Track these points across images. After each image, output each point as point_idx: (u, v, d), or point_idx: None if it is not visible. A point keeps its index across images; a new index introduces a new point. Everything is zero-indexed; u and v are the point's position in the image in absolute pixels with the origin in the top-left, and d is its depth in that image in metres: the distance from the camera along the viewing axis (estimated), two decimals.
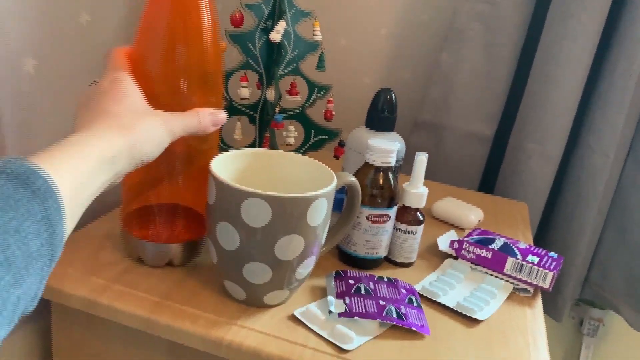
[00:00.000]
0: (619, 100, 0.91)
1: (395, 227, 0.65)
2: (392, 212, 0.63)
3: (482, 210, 0.83)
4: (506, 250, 0.66)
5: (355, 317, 0.53)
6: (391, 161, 0.62)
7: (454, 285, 0.63)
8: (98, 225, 0.67)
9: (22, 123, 0.57)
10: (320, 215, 0.51)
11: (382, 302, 0.56)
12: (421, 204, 0.65)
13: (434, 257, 0.70)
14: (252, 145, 0.79)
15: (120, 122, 0.43)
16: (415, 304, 0.58)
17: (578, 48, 0.90)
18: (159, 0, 0.53)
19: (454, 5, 0.97)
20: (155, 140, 0.45)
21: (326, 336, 0.52)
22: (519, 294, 0.64)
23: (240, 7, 0.72)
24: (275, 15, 0.72)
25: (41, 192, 0.32)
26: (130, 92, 0.46)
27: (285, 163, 0.59)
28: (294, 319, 0.54)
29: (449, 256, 0.70)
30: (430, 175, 0.94)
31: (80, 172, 0.37)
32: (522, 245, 0.68)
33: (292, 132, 0.78)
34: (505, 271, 0.65)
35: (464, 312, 0.58)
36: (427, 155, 0.65)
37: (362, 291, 0.58)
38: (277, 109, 0.74)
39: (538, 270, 0.63)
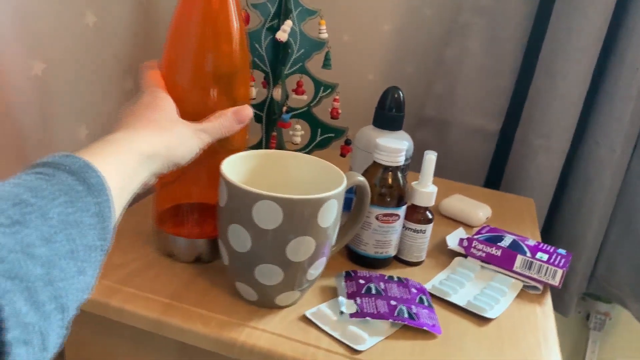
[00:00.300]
0: (626, 94, 0.90)
1: (404, 226, 0.65)
2: (401, 211, 0.63)
3: (489, 207, 0.83)
4: (515, 247, 0.66)
5: (367, 318, 0.53)
6: (400, 160, 0.61)
7: (464, 284, 0.63)
8: None
9: (32, 126, 0.57)
10: (330, 216, 0.51)
11: (393, 302, 0.56)
12: (430, 202, 0.65)
13: (443, 255, 0.70)
14: (259, 144, 0.79)
15: (158, 125, 0.46)
16: (426, 304, 0.58)
17: (584, 42, 0.89)
18: (188, 7, 0.55)
19: (458, 0, 0.96)
20: (188, 145, 0.49)
21: (338, 337, 0.52)
22: (529, 292, 0.64)
23: (246, 7, 0.71)
24: (281, 14, 0.72)
25: (96, 187, 0.35)
26: (168, 105, 0.50)
27: (295, 164, 0.59)
28: (306, 319, 0.54)
29: (458, 254, 0.70)
30: (435, 172, 0.94)
31: (125, 168, 0.40)
32: (531, 243, 0.68)
33: (299, 131, 0.78)
34: (514, 269, 0.65)
35: (474, 311, 0.58)
36: (436, 154, 0.65)
37: (373, 291, 0.58)
38: (284, 109, 0.74)
39: (547, 267, 0.63)
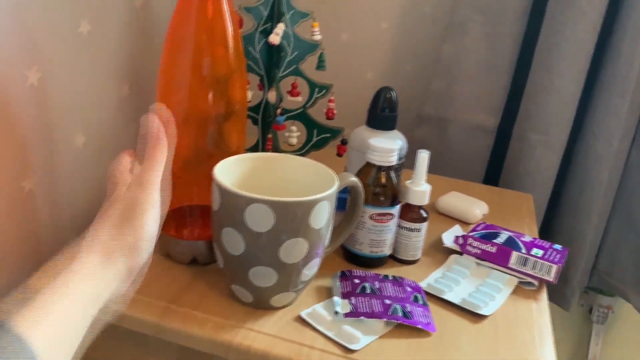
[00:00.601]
0: (622, 87, 0.90)
1: (399, 225, 0.66)
2: (396, 210, 0.64)
3: (487, 203, 0.83)
4: (511, 244, 0.67)
5: (361, 317, 0.54)
6: (393, 160, 0.62)
7: (460, 281, 0.64)
8: None
9: (31, 135, 0.58)
10: (322, 217, 0.52)
11: (387, 301, 0.57)
12: (424, 201, 0.66)
13: (439, 253, 0.71)
14: (255, 147, 0.79)
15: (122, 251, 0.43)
16: (420, 302, 0.58)
17: (580, 36, 0.89)
18: (185, 13, 0.56)
19: None
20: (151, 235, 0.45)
21: (333, 337, 0.53)
22: (524, 288, 0.65)
23: (239, 10, 0.72)
24: (274, 17, 0.72)
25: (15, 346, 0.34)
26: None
27: (287, 166, 0.60)
28: (301, 320, 0.55)
29: (453, 252, 0.70)
30: (434, 169, 0.94)
31: (60, 324, 0.39)
32: (527, 239, 0.69)
33: (295, 132, 0.79)
34: (510, 265, 0.65)
35: (469, 308, 0.59)
36: (428, 152, 0.66)
37: (368, 291, 0.58)
38: (278, 111, 0.75)
39: (542, 263, 0.64)
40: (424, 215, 0.66)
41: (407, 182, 0.67)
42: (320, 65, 0.76)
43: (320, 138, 0.79)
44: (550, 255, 0.65)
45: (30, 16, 0.54)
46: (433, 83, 1.01)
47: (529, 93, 0.96)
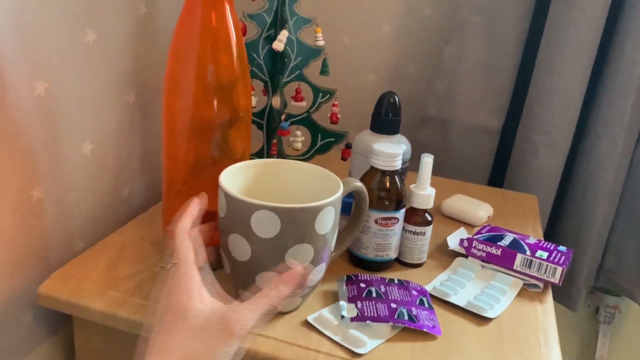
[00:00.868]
0: (626, 87, 0.90)
1: (404, 229, 0.66)
2: (400, 214, 0.64)
3: (492, 205, 0.84)
4: (515, 246, 0.67)
5: (368, 321, 0.55)
6: (397, 165, 0.62)
7: (465, 284, 0.64)
8: (113, 239, 0.68)
9: (39, 144, 0.59)
10: (328, 223, 0.52)
11: (393, 305, 0.57)
12: (429, 205, 0.66)
13: (444, 255, 0.71)
14: (260, 152, 0.80)
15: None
16: (426, 305, 0.59)
17: (582, 36, 0.89)
18: (189, 21, 0.57)
19: None
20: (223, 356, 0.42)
21: (339, 341, 0.53)
22: (530, 290, 0.65)
23: (243, 17, 0.73)
24: (278, 23, 0.73)
25: None
26: (196, 305, 0.43)
27: (292, 171, 0.60)
28: (307, 324, 0.55)
29: (459, 254, 0.70)
30: (438, 171, 0.95)
31: None
32: (532, 241, 0.69)
33: (299, 137, 0.79)
34: (515, 268, 0.66)
35: (474, 311, 0.59)
36: (432, 156, 0.66)
37: (374, 295, 0.59)
38: (282, 117, 0.75)
39: (547, 265, 0.64)
40: (429, 218, 0.67)
41: (412, 186, 0.67)
42: (324, 71, 0.76)
43: (325, 142, 0.80)
44: (555, 257, 0.65)
45: (36, 27, 0.55)
46: (435, 85, 1.01)
47: (533, 94, 0.96)
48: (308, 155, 0.80)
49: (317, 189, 0.56)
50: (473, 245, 0.68)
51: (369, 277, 0.63)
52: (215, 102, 0.58)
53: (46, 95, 0.58)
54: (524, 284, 0.65)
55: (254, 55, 0.74)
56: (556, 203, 1.01)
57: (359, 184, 0.58)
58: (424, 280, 0.65)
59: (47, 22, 0.56)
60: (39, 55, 0.56)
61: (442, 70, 1.00)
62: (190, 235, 0.49)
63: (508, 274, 0.66)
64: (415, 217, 0.66)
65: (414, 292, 0.60)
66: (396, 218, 0.64)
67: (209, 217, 0.65)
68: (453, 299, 0.61)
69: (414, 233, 0.66)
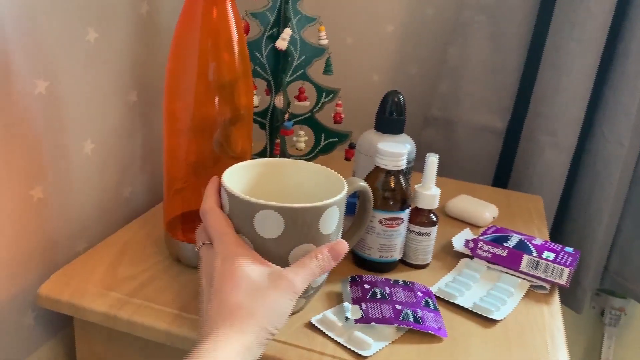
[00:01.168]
0: (632, 86, 0.89)
1: (408, 229, 0.65)
2: (405, 214, 0.63)
3: (497, 206, 0.83)
4: (522, 247, 0.66)
5: (372, 323, 0.54)
6: (402, 164, 0.62)
7: (470, 286, 0.63)
8: (115, 239, 0.68)
9: (42, 143, 0.58)
10: (332, 223, 0.52)
11: (398, 307, 0.56)
12: (434, 205, 0.65)
13: (450, 256, 0.70)
14: (263, 152, 0.79)
15: (243, 314, 0.44)
16: (431, 307, 0.58)
17: (588, 35, 0.89)
18: (190, 19, 0.57)
19: None
20: (282, 313, 0.46)
21: (344, 343, 0.52)
22: (536, 292, 0.64)
23: (246, 16, 0.72)
24: (281, 22, 0.72)
25: None
26: (245, 270, 0.46)
27: (296, 171, 0.59)
28: (311, 326, 0.55)
29: (464, 255, 0.69)
30: (443, 172, 0.94)
31: None
32: (538, 242, 0.68)
33: (303, 137, 0.79)
34: (521, 269, 0.65)
35: (480, 313, 0.58)
36: (437, 156, 0.65)
37: (378, 296, 0.58)
38: (286, 116, 0.75)
39: (554, 266, 0.63)
40: (434, 219, 0.66)
41: (417, 186, 0.66)
42: (327, 70, 0.76)
43: (328, 142, 0.79)
44: (562, 259, 0.64)
45: (37, 25, 0.55)
46: (439, 85, 1.00)
47: (538, 94, 0.95)
48: (311, 155, 0.79)
49: (321, 188, 0.56)
50: (479, 246, 0.67)
51: (374, 278, 0.62)
52: (216, 100, 0.57)
53: (47, 93, 0.57)
54: (531, 286, 0.64)
55: (257, 54, 0.74)
56: (561, 204, 1.00)
57: (364, 183, 0.57)
58: (429, 281, 0.64)
59: (48, 21, 0.56)
60: (40, 54, 0.56)
61: (446, 70, 0.99)
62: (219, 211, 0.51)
63: (514, 275, 0.65)
64: (420, 217, 0.66)
65: (419, 294, 0.60)
66: (401, 218, 0.63)
67: None
68: (459, 301, 0.60)
69: (419, 234, 0.65)
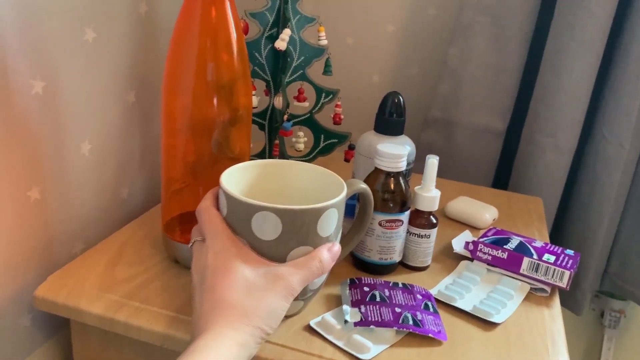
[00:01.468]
0: (632, 88, 0.89)
1: (408, 232, 0.65)
2: (405, 216, 0.63)
3: (497, 207, 0.83)
4: (522, 250, 0.66)
5: (371, 326, 0.53)
6: (401, 166, 0.61)
7: (470, 288, 0.63)
8: (112, 240, 0.67)
9: (39, 143, 0.58)
10: (331, 225, 0.51)
11: (397, 309, 0.56)
12: (434, 207, 0.65)
13: (449, 259, 0.70)
14: (262, 153, 0.79)
15: (237, 313, 0.43)
16: (431, 310, 0.58)
17: (588, 37, 0.88)
18: (188, 19, 0.56)
19: None
20: (277, 313, 0.46)
21: (342, 346, 0.52)
22: (536, 294, 0.64)
23: (245, 16, 0.71)
24: (280, 22, 0.72)
25: None
26: (240, 268, 0.46)
27: (295, 172, 0.59)
28: (310, 329, 0.54)
29: (464, 258, 0.69)
30: (442, 173, 0.94)
31: None
32: (538, 244, 0.68)
33: (302, 138, 0.78)
34: (521, 271, 0.64)
35: (480, 316, 0.58)
36: (437, 157, 0.65)
37: (378, 299, 0.57)
38: (285, 117, 0.74)
39: (555, 269, 0.63)
40: (434, 221, 0.66)
41: (417, 188, 0.66)
42: (327, 70, 0.75)
43: (328, 143, 0.79)
44: (562, 261, 0.64)
45: (34, 24, 0.54)
46: (440, 86, 1.00)
47: (538, 95, 0.95)
48: (311, 156, 0.79)
49: (320, 190, 0.55)
50: (479, 249, 0.67)
51: (373, 280, 0.61)
52: (215, 100, 0.57)
53: (44, 94, 0.57)
54: (531, 288, 0.64)
55: (256, 54, 0.73)
56: (561, 206, 0.99)
57: (364, 185, 0.57)
58: (428, 284, 0.63)
59: (45, 20, 0.55)
60: (37, 54, 0.55)
61: (447, 71, 0.99)
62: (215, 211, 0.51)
63: (514, 278, 0.65)
64: (420, 219, 0.65)
65: (419, 296, 0.59)
66: (400, 220, 0.62)
67: None
68: (459, 304, 0.60)
69: (419, 236, 0.65)
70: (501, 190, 0.96)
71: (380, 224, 0.62)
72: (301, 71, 0.74)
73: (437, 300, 0.60)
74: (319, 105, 0.76)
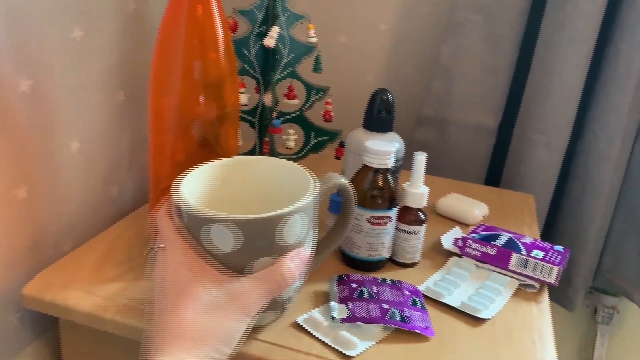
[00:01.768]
0: (623, 85, 0.89)
1: (397, 228, 0.65)
2: (393, 213, 0.63)
3: (488, 204, 0.83)
4: (511, 246, 0.66)
5: (359, 322, 0.53)
6: (389, 163, 0.61)
7: (459, 284, 0.63)
8: (101, 239, 0.67)
9: (27, 143, 0.58)
10: (296, 231, 0.47)
11: (385, 306, 0.56)
12: (422, 203, 0.65)
13: (439, 255, 0.70)
14: (252, 151, 0.79)
15: (192, 337, 0.41)
16: (419, 306, 0.58)
17: (578, 34, 0.88)
18: (174, 16, 0.56)
19: None
20: (234, 336, 0.43)
21: (330, 343, 0.52)
22: (525, 290, 0.64)
23: (234, 14, 0.71)
24: (269, 19, 0.72)
25: None
26: (194, 284, 0.43)
27: (263, 169, 0.55)
28: (297, 326, 0.54)
29: (453, 254, 0.69)
30: (435, 171, 0.94)
31: None
32: (527, 240, 0.68)
33: (292, 136, 0.78)
34: (510, 267, 0.64)
35: (468, 312, 0.58)
36: (425, 154, 0.65)
37: (365, 295, 0.57)
38: (274, 114, 0.74)
39: (543, 265, 0.63)
40: (422, 217, 0.66)
41: (405, 185, 0.66)
42: (317, 68, 0.75)
43: (318, 141, 0.79)
44: (551, 257, 0.64)
45: (20, 22, 0.54)
46: (432, 84, 1.00)
47: (529, 93, 0.95)
48: (301, 154, 0.79)
49: (290, 188, 0.51)
50: (467, 245, 0.67)
51: (361, 277, 0.61)
52: (202, 99, 0.57)
53: (31, 92, 0.57)
54: (520, 284, 0.64)
55: (245, 52, 0.73)
56: (553, 203, 0.99)
57: (342, 180, 0.53)
58: (417, 280, 0.63)
59: (32, 18, 0.55)
60: (24, 52, 0.55)
61: (439, 70, 0.99)
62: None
63: (503, 274, 0.65)
64: (409, 216, 0.65)
65: (407, 293, 0.59)
66: (389, 217, 0.62)
67: None
68: (447, 300, 0.60)
69: (407, 232, 0.65)
70: (493, 188, 0.96)
71: (368, 221, 0.62)
72: (291, 69, 0.74)
73: (426, 297, 0.61)
74: (309, 103, 0.76)
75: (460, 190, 0.87)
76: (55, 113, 0.61)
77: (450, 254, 0.69)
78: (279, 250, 0.46)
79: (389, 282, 0.61)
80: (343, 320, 0.54)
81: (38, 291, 0.57)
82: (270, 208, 0.46)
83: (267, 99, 0.74)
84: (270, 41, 0.69)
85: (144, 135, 0.77)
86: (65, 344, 0.61)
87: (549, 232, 1.02)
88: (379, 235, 0.63)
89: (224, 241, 0.44)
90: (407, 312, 0.55)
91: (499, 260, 0.65)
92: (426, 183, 0.66)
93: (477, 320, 0.58)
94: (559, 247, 0.67)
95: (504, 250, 0.65)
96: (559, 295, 1.02)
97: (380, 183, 0.62)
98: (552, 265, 0.62)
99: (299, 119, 0.78)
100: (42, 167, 0.60)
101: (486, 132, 1.00)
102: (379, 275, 0.63)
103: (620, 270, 1.02)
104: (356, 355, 0.51)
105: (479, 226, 0.73)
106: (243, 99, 0.72)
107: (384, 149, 0.61)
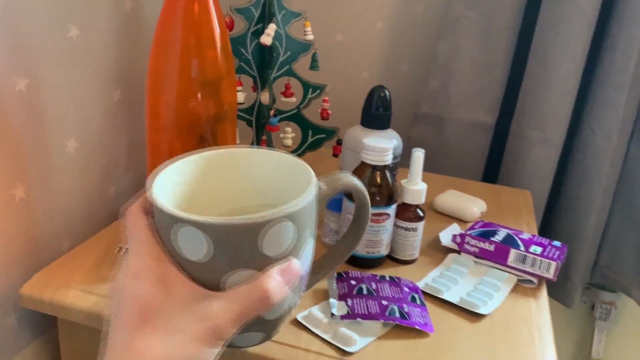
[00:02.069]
0: (619, 80, 0.89)
1: (395, 225, 0.65)
2: (392, 210, 0.63)
3: (485, 201, 0.83)
4: (509, 241, 0.66)
5: (358, 319, 0.53)
6: (387, 159, 0.61)
7: (458, 281, 0.63)
8: (99, 238, 0.67)
9: (23, 142, 0.57)
10: (283, 241, 0.38)
11: (384, 302, 0.56)
12: (420, 200, 0.65)
13: (437, 252, 0.70)
14: None
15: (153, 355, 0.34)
16: (418, 302, 0.58)
17: (575, 30, 0.88)
18: (171, 15, 0.56)
19: None
20: None
21: (329, 339, 0.52)
22: (524, 286, 0.64)
23: (230, 12, 0.71)
24: (266, 17, 0.72)
25: None
26: (158, 300, 0.35)
27: (252, 162, 0.47)
28: (297, 323, 0.54)
29: (452, 250, 0.69)
30: (433, 168, 0.94)
31: None
32: (525, 236, 0.68)
33: (290, 133, 0.78)
34: (508, 263, 0.65)
35: (467, 308, 0.58)
36: (423, 151, 0.65)
37: (365, 292, 0.57)
38: (271, 112, 0.74)
39: (541, 260, 0.63)
40: (421, 214, 0.66)
41: (403, 181, 0.66)
42: (314, 66, 0.75)
43: (316, 139, 0.79)
44: (549, 252, 0.64)
45: (16, 21, 0.54)
46: (429, 81, 1.00)
47: (526, 89, 0.95)
48: (299, 152, 0.79)
49: (286, 183, 0.45)
50: (466, 241, 0.67)
51: (360, 274, 0.61)
52: (199, 97, 0.57)
53: (28, 91, 0.57)
54: (518, 280, 0.64)
55: (242, 50, 0.73)
56: (551, 199, 1.00)
57: (355, 182, 0.46)
58: (416, 276, 0.64)
59: (28, 17, 0.55)
60: (20, 51, 0.55)
61: (436, 67, 0.99)
62: (144, 216, 0.39)
63: (502, 270, 0.65)
64: (407, 212, 0.65)
65: (406, 289, 0.59)
66: (387, 214, 0.62)
67: None
68: (446, 296, 0.60)
69: (406, 229, 0.65)
70: (490, 184, 0.96)
71: None
72: (288, 66, 0.74)
73: (425, 293, 0.61)
74: (306, 101, 0.76)
75: (458, 187, 0.87)
76: (51, 112, 0.60)
77: (449, 250, 0.69)
78: (259, 264, 0.37)
79: (388, 278, 0.61)
80: (342, 317, 0.54)
81: (36, 290, 0.57)
82: (266, 209, 0.38)
83: (264, 97, 0.74)
84: (266, 39, 0.69)
85: (141, 134, 0.77)
86: (63, 343, 0.61)
87: (547, 229, 1.02)
88: (377, 232, 0.63)
89: (194, 248, 0.36)
90: (406, 308, 0.55)
91: (498, 256, 0.65)
92: (424, 180, 0.66)
93: (476, 316, 0.58)
94: (556, 243, 0.67)
95: (502, 246, 0.65)
96: (557, 291, 1.02)
97: (379, 180, 0.62)
98: (550, 261, 0.63)
99: (296, 117, 0.78)
100: (38, 166, 0.60)
101: (483, 129, 1.00)
102: (378, 272, 0.63)
103: (618, 266, 1.02)
104: (356, 352, 0.51)
105: (477, 222, 0.73)
106: (240, 97, 0.72)
107: (381, 145, 0.61)
